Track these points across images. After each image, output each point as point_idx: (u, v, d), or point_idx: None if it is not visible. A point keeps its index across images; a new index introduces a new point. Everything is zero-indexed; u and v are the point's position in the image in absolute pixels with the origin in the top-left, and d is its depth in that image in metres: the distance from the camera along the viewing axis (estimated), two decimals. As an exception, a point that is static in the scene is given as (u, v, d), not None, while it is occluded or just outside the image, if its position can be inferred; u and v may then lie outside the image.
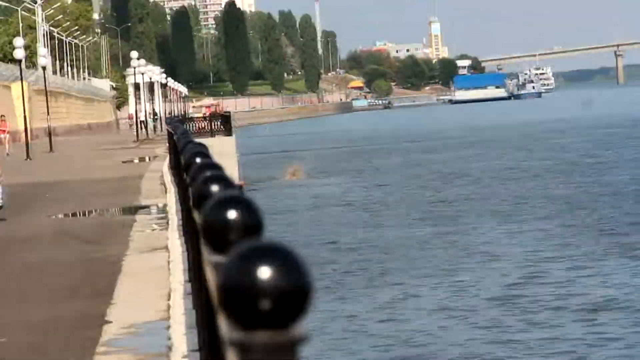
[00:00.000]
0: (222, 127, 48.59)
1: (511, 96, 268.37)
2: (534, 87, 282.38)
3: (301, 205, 38.11)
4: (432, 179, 46.52)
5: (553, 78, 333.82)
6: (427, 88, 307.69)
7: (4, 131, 46.97)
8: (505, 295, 19.88)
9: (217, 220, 2.25)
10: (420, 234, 28.61)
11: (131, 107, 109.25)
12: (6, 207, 17.73)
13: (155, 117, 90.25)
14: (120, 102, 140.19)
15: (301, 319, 1.69)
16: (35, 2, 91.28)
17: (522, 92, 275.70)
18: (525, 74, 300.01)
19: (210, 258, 2.35)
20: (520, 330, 17.30)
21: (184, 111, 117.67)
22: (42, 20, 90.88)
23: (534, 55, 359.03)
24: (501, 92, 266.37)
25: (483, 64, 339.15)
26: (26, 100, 53.65)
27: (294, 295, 1.68)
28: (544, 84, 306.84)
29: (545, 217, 30.90)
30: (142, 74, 75.54)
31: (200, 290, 5.05)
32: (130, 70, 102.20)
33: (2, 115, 48.46)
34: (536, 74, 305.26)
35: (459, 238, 27.49)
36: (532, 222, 30.10)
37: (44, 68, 58.83)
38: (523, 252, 24.88)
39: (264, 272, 1.67)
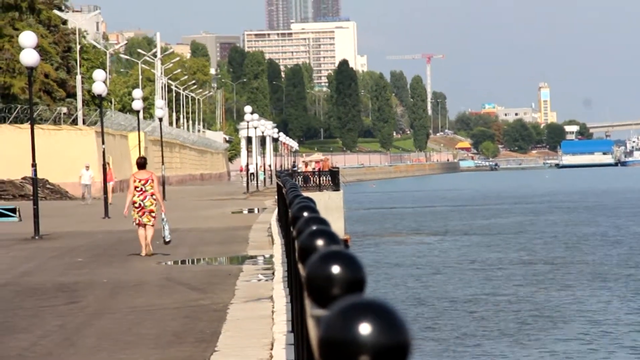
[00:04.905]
0: (330, 182, 48.91)
1: (618, 163, 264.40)
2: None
3: (403, 261, 37.97)
4: (535, 241, 45.86)
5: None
6: (534, 152, 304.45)
7: (110, 179, 43.32)
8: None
9: (319, 274, 2.31)
10: (513, 293, 28.18)
11: (243, 160, 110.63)
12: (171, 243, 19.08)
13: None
14: (233, 154, 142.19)
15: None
16: (155, 56, 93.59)
17: (629, 159, 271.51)
18: (633, 141, 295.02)
19: (312, 311, 2.42)
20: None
21: (294, 165, 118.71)
22: (161, 73, 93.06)
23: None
24: (608, 159, 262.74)
25: (591, 130, 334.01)
26: (142, 149, 54.89)
27: (392, 351, 1.71)
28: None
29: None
30: (255, 127, 76.54)
31: (302, 342, 5.12)
32: (243, 124, 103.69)
33: (107, 163, 43.00)
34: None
35: (556, 300, 27.01)
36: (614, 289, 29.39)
37: (160, 119, 60.16)
38: (601, 317, 24.26)
39: (364, 328, 1.72)
